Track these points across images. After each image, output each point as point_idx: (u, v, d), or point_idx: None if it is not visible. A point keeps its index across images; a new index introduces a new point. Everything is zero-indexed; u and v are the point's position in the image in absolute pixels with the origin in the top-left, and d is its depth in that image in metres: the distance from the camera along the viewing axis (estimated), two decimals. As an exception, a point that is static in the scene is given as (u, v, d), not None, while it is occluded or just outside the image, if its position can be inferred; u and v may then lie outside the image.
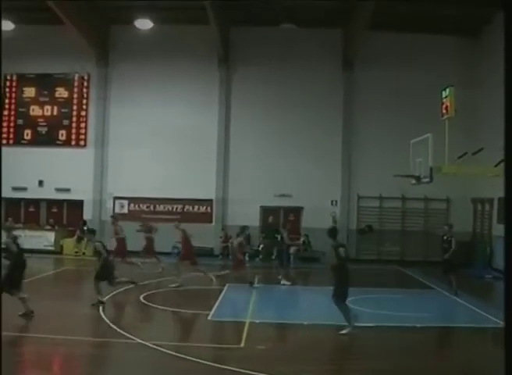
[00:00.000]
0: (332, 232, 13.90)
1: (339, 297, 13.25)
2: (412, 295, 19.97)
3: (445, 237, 20.40)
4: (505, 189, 4.95)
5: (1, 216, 27.18)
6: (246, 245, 22.03)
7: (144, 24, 28.80)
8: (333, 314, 13.90)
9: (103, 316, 14.32)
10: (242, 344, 11.96)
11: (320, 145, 30.17)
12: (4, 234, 15.00)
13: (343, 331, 13.04)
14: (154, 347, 11.37)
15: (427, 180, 17.09)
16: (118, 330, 12.77)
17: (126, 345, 11.71)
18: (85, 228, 28.81)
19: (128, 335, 12.23)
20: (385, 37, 29.42)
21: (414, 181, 18.45)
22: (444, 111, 16.88)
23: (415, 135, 18.51)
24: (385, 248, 30.14)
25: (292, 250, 28.67)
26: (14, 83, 31.40)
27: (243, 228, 21.85)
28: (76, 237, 29.25)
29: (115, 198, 30.80)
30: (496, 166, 17.36)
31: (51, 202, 31.65)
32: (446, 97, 16.86)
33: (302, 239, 29.36)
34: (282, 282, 21.16)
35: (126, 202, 30.87)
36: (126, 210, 30.83)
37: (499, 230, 26.88)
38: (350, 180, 30.34)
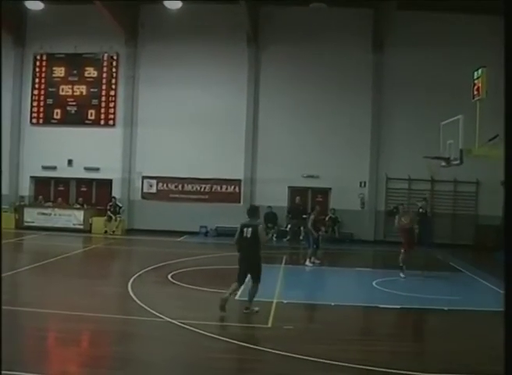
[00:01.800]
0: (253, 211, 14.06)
1: None
2: (440, 278, 19.88)
3: (420, 210, 20.30)
4: (505, 188, 4.95)
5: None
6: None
7: (173, 3, 28.77)
8: (359, 295, 13.96)
9: (132, 295, 14.44)
10: (269, 324, 12.02)
11: (349, 126, 30.07)
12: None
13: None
14: (183, 325, 11.44)
15: (457, 162, 16.98)
16: (146, 308, 12.87)
17: (154, 323, 11.80)
18: (119, 205, 29.21)
19: (156, 313, 12.33)
20: (416, 17, 29.14)
21: (443, 163, 18.32)
22: (475, 92, 16.70)
23: (446, 117, 18.35)
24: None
25: (320, 231, 28.70)
26: (44, 63, 31.64)
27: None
28: (106, 216, 29.49)
29: (144, 177, 30.97)
30: (527, 148, 17.19)
31: (80, 181, 31.94)
32: (477, 78, 16.66)
33: (328, 216, 29.23)
34: (306, 262, 21.07)
35: (154, 182, 31.01)
36: (154, 189, 30.99)
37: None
38: (378, 161, 30.23)
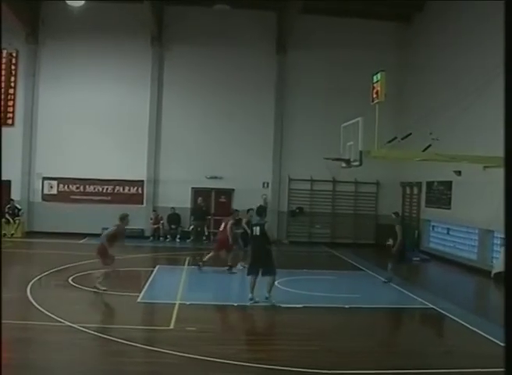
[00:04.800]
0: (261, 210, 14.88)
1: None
2: (341, 277, 20.28)
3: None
4: (505, 188, 5.10)
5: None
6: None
7: (76, 1, 28.13)
8: (262, 295, 14.09)
9: (31, 299, 14.10)
10: (171, 326, 11.96)
11: (252, 127, 30.28)
12: None
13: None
14: (83, 329, 11.26)
15: (357, 163, 17.32)
16: (46, 312, 12.58)
17: (54, 328, 11.55)
18: (17, 207, 28.40)
19: (57, 318, 12.07)
20: (319, 22, 29.68)
21: (344, 164, 18.66)
22: (375, 95, 17.09)
23: (347, 119, 18.69)
24: (315, 230, 30.53)
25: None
26: None
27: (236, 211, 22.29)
28: (4, 219, 28.61)
29: (44, 178, 30.20)
30: (423, 150, 17.74)
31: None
32: (376, 81, 17.05)
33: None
34: (238, 265, 20.25)
35: (55, 183, 30.28)
36: (55, 191, 30.29)
37: (426, 213, 27.56)
38: (281, 162, 30.55)
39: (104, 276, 15.43)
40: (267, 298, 14.14)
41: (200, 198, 28.87)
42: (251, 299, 14.24)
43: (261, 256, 14.24)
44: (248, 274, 14.54)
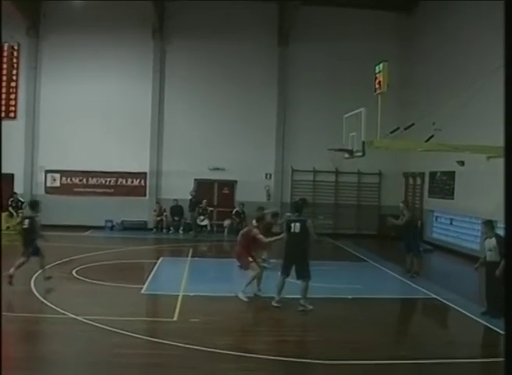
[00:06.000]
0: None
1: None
2: (344, 267, 20.32)
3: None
4: (505, 186, 5.11)
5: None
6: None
7: (76, -5, 28.13)
8: (267, 286, 14.11)
9: (34, 292, 14.15)
10: (175, 318, 12.01)
11: (254, 118, 30.22)
12: None
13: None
14: (88, 322, 11.31)
15: (359, 154, 17.29)
16: (50, 305, 12.64)
17: (58, 321, 11.60)
18: (21, 200, 28.39)
19: (61, 310, 12.12)
20: (321, 12, 29.64)
21: (347, 155, 18.63)
22: (377, 86, 17.05)
23: (349, 110, 18.63)
24: (318, 221, 30.50)
25: (226, 223, 28.94)
26: None
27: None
28: (7, 212, 28.64)
29: (47, 171, 30.21)
30: (426, 141, 17.70)
31: (-21, 176, 30.83)
32: (379, 72, 16.99)
33: (235, 209, 29.40)
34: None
35: (58, 176, 30.29)
36: (58, 183, 30.31)
37: (429, 203, 27.55)
38: (283, 153, 30.52)
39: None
40: (302, 307, 13.13)
41: (191, 189, 29.04)
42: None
43: (298, 256, 13.37)
44: (281, 274, 13.54)
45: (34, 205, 16.52)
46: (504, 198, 5.07)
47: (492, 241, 13.01)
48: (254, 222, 16.10)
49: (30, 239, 15.45)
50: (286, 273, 13.53)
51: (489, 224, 13.48)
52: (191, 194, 29.07)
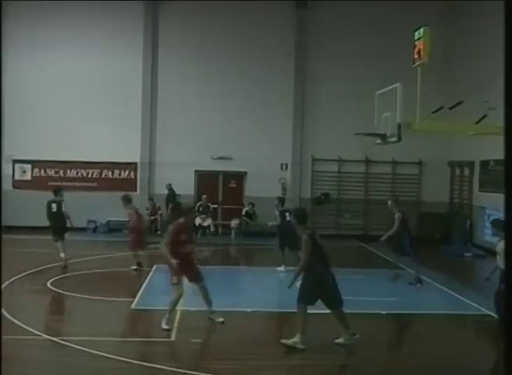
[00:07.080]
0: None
1: None
2: (376, 277, 20.23)
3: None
4: (505, 185, 5.19)
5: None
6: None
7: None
8: (281, 299, 14.07)
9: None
10: (173, 338, 11.99)
11: (267, 97, 30.14)
12: None
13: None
14: (66, 344, 11.29)
15: (394, 138, 17.19)
16: (20, 324, 12.60)
17: (30, 343, 11.59)
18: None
19: (33, 330, 12.11)
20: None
21: (378, 140, 18.54)
22: (416, 56, 16.93)
23: (382, 86, 18.55)
24: (344, 220, 30.45)
25: (233, 223, 28.88)
26: None
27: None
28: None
29: (15, 161, 30.19)
30: (477, 122, 17.59)
31: None
32: (418, 38, 16.85)
33: (245, 209, 29.41)
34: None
35: (28, 167, 30.33)
36: (28, 176, 30.33)
37: (480, 199, 27.36)
38: (302, 139, 30.48)
39: None
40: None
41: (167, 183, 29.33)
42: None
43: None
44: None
45: None
46: (504, 198, 5.12)
47: (501, 245, 12.16)
48: None
49: None
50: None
51: (498, 223, 12.88)
52: (167, 188, 29.04)
